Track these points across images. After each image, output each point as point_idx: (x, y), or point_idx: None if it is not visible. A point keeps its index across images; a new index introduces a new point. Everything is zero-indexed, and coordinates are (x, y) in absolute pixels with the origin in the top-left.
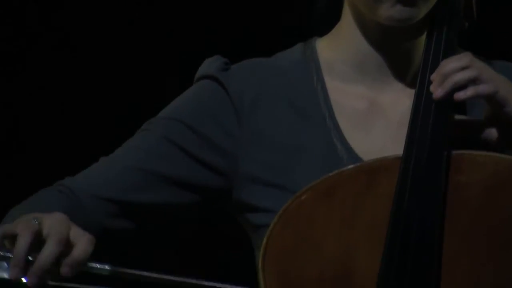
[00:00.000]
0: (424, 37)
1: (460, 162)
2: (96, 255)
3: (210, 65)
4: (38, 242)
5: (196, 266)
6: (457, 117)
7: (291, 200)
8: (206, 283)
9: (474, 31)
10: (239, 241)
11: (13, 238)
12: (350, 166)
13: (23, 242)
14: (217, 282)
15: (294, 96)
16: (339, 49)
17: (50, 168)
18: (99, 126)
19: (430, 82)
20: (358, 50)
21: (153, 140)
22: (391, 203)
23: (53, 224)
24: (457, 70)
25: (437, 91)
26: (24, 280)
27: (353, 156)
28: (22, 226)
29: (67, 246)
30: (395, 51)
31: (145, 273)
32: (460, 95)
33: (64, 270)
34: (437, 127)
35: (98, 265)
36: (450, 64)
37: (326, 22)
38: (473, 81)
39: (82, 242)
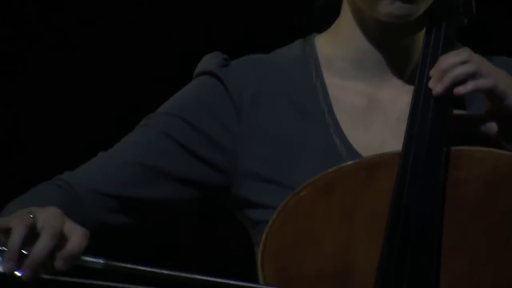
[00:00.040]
0: (423, 33)
1: (459, 158)
2: (95, 250)
3: (209, 61)
4: (32, 236)
5: (196, 263)
6: (456, 112)
7: (290, 196)
8: (201, 277)
9: (473, 27)
10: (239, 237)
11: (7, 232)
12: (349, 162)
13: (17, 236)
14: (214, 276)
15: (293, 93)
16: (338, 46)
17: (50, 168)
18: (99, 126)
19: (429, 78)
20: (357, 47)
21: (153, 135)
22: (390, 199)
23: (47, 218)
24: (456, 65)
25: (437, 86)
26: (18, 273)
27: (352, 152)
28: (16, 220)
29: (61, 240)
30: (394, 48)
31: (140, 267)
32: (460, 90)
33: (58, 263)
34: (436, 123)
35: (92, 259)
36: (449, 59)
37: (326, 19)
38: (472, 76)
39: (76, 236)
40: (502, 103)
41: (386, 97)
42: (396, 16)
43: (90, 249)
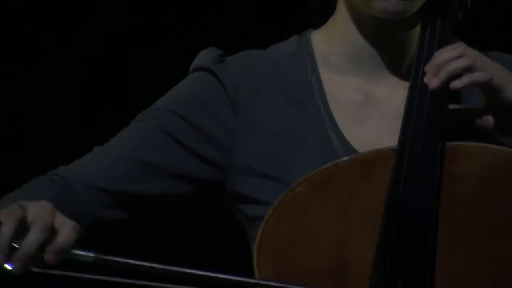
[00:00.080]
0: (418, 28)
1: (455, 153)
2: (93, 245)
3: (205, 56)
4: (23, 229)
5: (192, 258)
6: (452, 107)
7: (286, 192)
8: (191, 271)
9: (469, 22)
10: (235, 232)
11: None
12: (345, 158)
13: (7, 230)
14: (208, 271)
15: (289, 88)
16: (334, 42)
17: (50, 167)
18: (99, 125)
19: (424, 74)
20: (353, 43)
21: (148, 130)
22: (385, 194)
23: (38, 211)
24: (451, 60)
25: (433, 81)
26: (8, 267)
27: (348, 148)
28: (6, 213)
29: (51, 233)
30: (389, 44)
31: (130, 261)
32: (456, 84)
33: (48, 257)
34: (431, 119)
35: (82, 252)
36: (444, 54)
37: (322, 14)
38: (468, 70)
39: (66, 230)
40: (498, 96)
41: (382, 93)
42: (392, 13)
43: (86, 244)
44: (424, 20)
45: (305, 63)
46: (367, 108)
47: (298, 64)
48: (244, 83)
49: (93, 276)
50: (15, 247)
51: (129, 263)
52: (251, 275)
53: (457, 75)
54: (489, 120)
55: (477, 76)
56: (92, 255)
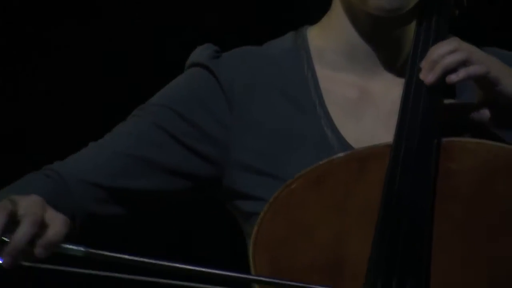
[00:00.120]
0: (414, 25)
1: (450, 149)
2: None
3: (201, 53)
4: (13, 223)
5: (188, 253)
6: (448, 101)
7: (282, 189)
8: (183, 266)
9: (465, 18)
10: (230, 228)
11: None
12: (341, 154)
13: None
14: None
15: (285, 85)
16: (330, 38)
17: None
18: (99, 125)
19: (420, 70)
20: (348, 40)
21: (144, 126)
22: (381, 190)
23: (29, 205)
24: (446, 54)
25: (428, 76)
26: None
27: (343, 144)
28: None
29: (42, 227)
30: (385, 40)
31: (120, 255)
32: (452, 78)
33: (38, 251)
34: (427, 115)
35: (72, 247)
36: (439, 49)
37: (318, 10)
38: (464, 63)
39: (57, 224)
40: (494, 89)
41: (377, 89)
42: (387, 10)
43: (82, 240)
44: (420, 17)
45: (301, 60)
46: (362, 104)
47: (294, 60)
48: (240, 79)
49: (83, 270)
50: (5, 241)
51: (119, 257)
52: (247, 271)
53: (452, 70)
54: (485, 113)
55: (473, 69)
56: (82, 249)
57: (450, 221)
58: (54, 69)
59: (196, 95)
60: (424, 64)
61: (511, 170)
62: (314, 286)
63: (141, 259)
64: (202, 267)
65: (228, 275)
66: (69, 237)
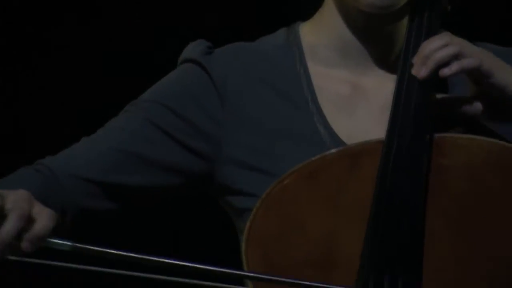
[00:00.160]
0: (406, 20)
1: (442, 145)
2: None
3: (193, 49)
4: (0, 217)
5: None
6: (441, 95)
7: (274, 184)
8: (170, 261)
9: (458, 13)
10: (223, 224)
11: None
12: (333, 150)
13: None
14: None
15: (277, 81)
16: (322, 34)
17: None
18: (99, 125)
19: (412, 65)
20: (340, 36)
21: (136, 122)
22: (374, 186)
23: (15, 200)
24: (438, 49)
25: (421, 70)
26: None
27: (336, 140)
28: None
29: (29, 222)
30: (377, 36)
31: (106, 250)
32: (445, 72)
33: (25, 245)
34: (419, 110)
35: (59, 241)
36: (430, 44)
37: (310, 6)
38: (456, 57)
39: (43, 218)
40: (488, 81)
41: (370, 85)
42: (379, 6)
43: (74, 235)
44: (412, 12)
45: (293, 56)
46: (355, 100)
47: (286, 56)
48: (232, 75)
49: (70, 265)
50: None
51: (106, 252)
52: (240, 267)
53: (445, 63)
54: (478, 107)
55: (466, 62)
56: (68, 243)
57: (443, 217)
58: (54, 69)
59: (188, 91)
60: (416, 60)
61: (503, 166)
62: (307, 282)
63: (128, 254)
64: (193, 263)
65: (220, 271)
66: (60, 232)
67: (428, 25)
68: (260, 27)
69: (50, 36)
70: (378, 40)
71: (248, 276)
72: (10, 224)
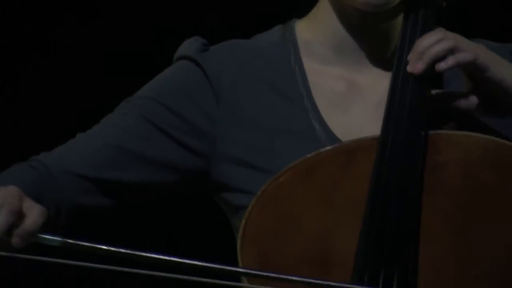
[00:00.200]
0: (401, 17)
1: (437, 142)
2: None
3: (189, 46)
4: None
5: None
6: (436, 90)
7: (269, 182)
8: (159, 256)
9: (453, 9)
10: (219, 221)
11: None
12: (328, 147)
13: None
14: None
15: (273, 78)
16: (317, 32)
17: None
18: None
19: (407, 62)
20: (335, 33)
21: (131, 119)
22: (369, 183)
23: (5, 196)
24: (433, 44)
25: (417, 65)
26: None
27: (331, 136)
28: None
29: (19, 217)
30: (372, 33)
31: (96, 245)
32: (441, 66)
33: (15, 240)
34: (414, 107)
35: (49, 237)
36: (425, 41)
37: (307, 3)
38: (451, 51)
39: (33, 214)
40: (483, 75)
41: (365, 82)
42: (374, 5)
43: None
44: (407, 10)
45: (289, 53)
46: (350, 97)
47: (282, 53)
48: (228, 72)
49: (60, 260)
50: None
51: (96, 248)
52: (235, 264)
53: (441, 58)
54: (473, 101)
55: (461, 56)
56: (59, 239)
57: (438, 213)
58: (54, 69)
59: (183, 88)
60: (411, 57)
61: (499, 162)
62: (301, 278)
63: (119, 250)
64: (187, 259)
65: (216, 268)
66: (54, 229)
67: (423, 22)
68: (260, 27)
69: (50, 36)
70: (373, 38)
71: (243, 272)
72: (0, 220)
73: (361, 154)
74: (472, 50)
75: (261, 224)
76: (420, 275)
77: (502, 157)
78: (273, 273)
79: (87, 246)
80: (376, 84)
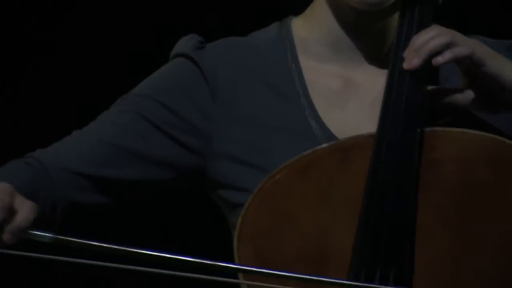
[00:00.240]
0: (397, 15)
1: (433, 139)
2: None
3: (185, 43)
4: None
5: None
6: (432, 87)
7: (266, 179)
8: (152, 252)
9: (449, 6)
10: (216, 218)
11: None
12: (324, 145)
13: None
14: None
15: (269, 75)
16: (313, 29)
17: None
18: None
19: (403, 59)
20: (331, 31)
21: (128, 116)
22: (365, 180)
23: None
24: (430, 40)
25: (414, 60)
26: None
27: (327, 134)
28: None
29: (10, 214)
30: (368, 31)
31: (86, 242)
32: (438, 60)
33: (6, 236)
34: (410, 104)
35: (40, 233)
36: (421, 37)
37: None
38: (448, 46)
39: (24, 210)
40: (480, 70)
41: (361, 79)
42: (369, 3)
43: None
44: (403, 7)
45: (285, 50)
46: (346, 95)
47: (278, 51)
48: (224, 69)
49: (52, 256)
50: None
51: (87, 244)
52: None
53: (438, 52)
54: (470, 97)
55: (458, 50)
56: (49, 235)
57: (434, 210)
58: (54, 69)
59: (179, 86)
60: (407, 53)
61: (494, 159)
62: (296, 274)
63: (110, 246)
64: (183, 256)
65: (213, 265)
66: (50, 225)
67: (419, 19)
68: (260, 27)
69: (50, 36)
70: (369, 35)
71: (241, 269)
72: None
73: (357, 152)
74: (469, 44)
75: (257, 222)
76: (416, 272)
77: (498, 154)
78: (270, 269)
79: (78, 242)
80: (372, 81)
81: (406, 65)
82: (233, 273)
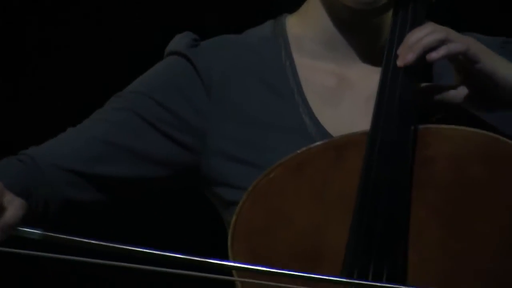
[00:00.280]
0: (391, 12)
1: (427, 136)
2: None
3: (179, 41)
4: None
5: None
6: (425, 84)
7: (260, 177)
8: (144, 250)
9: (443, 4)
10: (211, 216)
11: None
12: (318, 143)
13: None
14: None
15: (263, 72)
16: (307, 27)
17: None
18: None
19: (397, 56)
20: (325, 29)
21: (122, 114)
22: (359, 178)
23: None
24: (424, 36)
25: (408, 56)
26: None
27: (322, 131)
28: None
29: None
30: (362, 29)
31: (76, 238)
32: (433, 56)
33: None
34: (404, 102)
35: (29, 230)
36: (415, 34)
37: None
38: (442, 42)
39: (13, 207)
40: (474, 66)
41: (355, 77)
42: (363, 2)
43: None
44: (397, 4)
45: (279, 48)
46: (341, 92)
47: (273, 48)
48: (218, 67)
49: (41, 253)
50: None
51: (76, 241)
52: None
53: (432, 48)
54: (464, 94)
55: (453, 46)
56: (38, 232)
57: (428, 208)
58: (54, 69)
59: (174, 83)
60: (401, 50)
61: (488, 156)
62: (293, 272)
63: (99, 242)
64: (174, 253)
65: (207, 262)
66: (43, 222)
67: (413, 16)
68: (252, 22)
69: (50, 36)
70: (363, 33)
71: (235, 267)
72: None
73: (351, 149)
74: (463, 41)
75: (252, 220)
76: (410, 270)
77: (492, 151)
78: (264, 267)
79: (67, 239)
80: (366, 78)
81: (400, 61)
82: (228, 270)
